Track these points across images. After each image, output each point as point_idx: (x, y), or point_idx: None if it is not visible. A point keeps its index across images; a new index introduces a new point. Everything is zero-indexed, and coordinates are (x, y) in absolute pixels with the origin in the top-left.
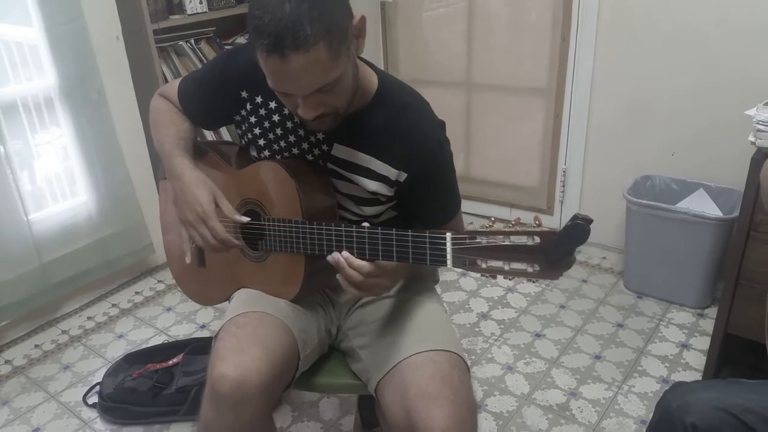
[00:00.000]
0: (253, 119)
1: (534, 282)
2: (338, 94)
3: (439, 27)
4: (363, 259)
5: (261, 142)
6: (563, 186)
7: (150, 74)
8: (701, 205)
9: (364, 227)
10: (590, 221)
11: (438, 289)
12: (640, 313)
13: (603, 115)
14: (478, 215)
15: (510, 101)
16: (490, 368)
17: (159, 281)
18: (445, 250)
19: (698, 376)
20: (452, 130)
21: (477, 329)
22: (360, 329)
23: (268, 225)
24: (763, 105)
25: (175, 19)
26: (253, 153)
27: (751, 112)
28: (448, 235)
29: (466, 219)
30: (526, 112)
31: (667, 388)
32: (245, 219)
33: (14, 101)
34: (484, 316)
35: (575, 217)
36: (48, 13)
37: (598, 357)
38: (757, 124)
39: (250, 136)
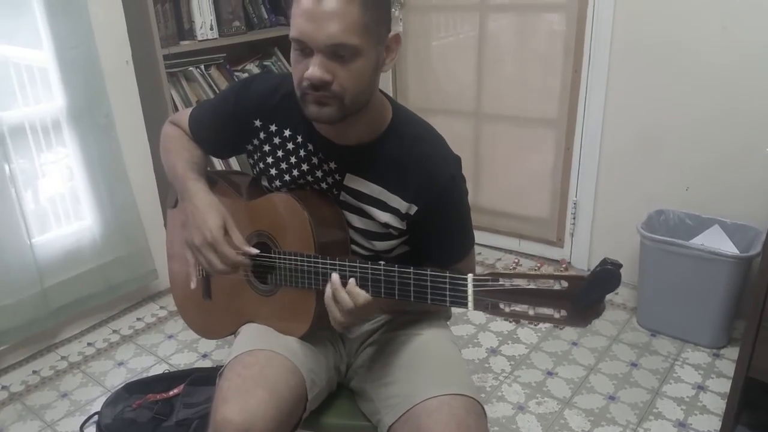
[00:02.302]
0: (266, 148)
1: (561, 329)
2: (351, 73)
3: (449, 57)
4: (377, 297)
5: (273, 171)
6: (574, 218)
7: (159, 99)
8: (716, 241)
9: (380, 264)
10: (620, 266)
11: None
12: (654, 351)
13: (615, 148)
14: (486, 245)
15: (519, 132)
16: (501, 407)
17: (161, 307)
18: (467, 292)
19: (717, 421)
20: (461, 159)
21: (486, 365)
22: (371, 368)
23: (279, 258)
24: None
25: (186, 45)
26: (265, 183)
27: None
28: (470, 276)
29: (475, 249)
30: (536, 142)
31: None
32: (254, 251)
33: (22, 123)
34: (493, 352)
35: (604, 262)
36: (59, 37)
37: (612, 398)
38: None
39: (262, 165)
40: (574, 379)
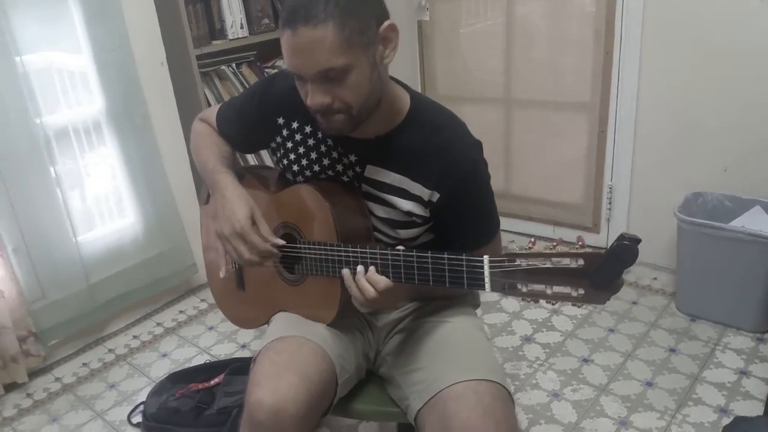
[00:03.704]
0: (289, 144)
1: (579, 306)
2: (348, 89)
3: (477, 43)
4: (398, 282)
5: (296, 167)
6: (610, 203)
7: (193, 98)
8: (758, 222)
9: (399, 250)
10: (638, 241)
11: (479, 311)
12: (694, 337)
13: (650, 130)
14: (520, 233)
15: (551, 117)
16: (536, 395)
17: (202, 300)
18: (483, 273)
19: (760, 407)
20: (492, 146)
21: (520, 353)
22: (399, 355)
23: (304, 248)
24: None
25: (217, 44)
26: (290, 177)
27: None
28: (486, 258)
29: (507, 237)
30: (569, 127)
31: (725, 419)
32: (281, 242)
33: (65, 126)
34: (527, 340)
35: (621, 237)
36: (96, 41)
37: (649, 384)
38: None
39: (286, 161)
40: (611, 366)
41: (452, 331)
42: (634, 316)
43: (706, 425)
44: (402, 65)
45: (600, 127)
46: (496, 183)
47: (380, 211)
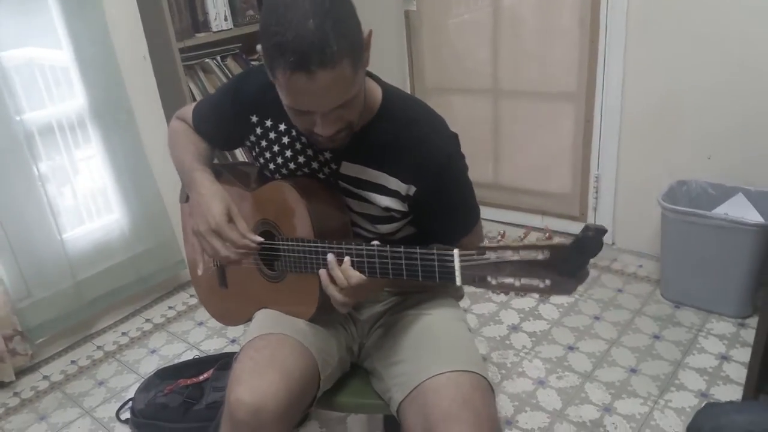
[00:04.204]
0: (263, 143)
1: (546, 298)
2: (354, 109)
3: (465, 34)
4: (373, 277)
5: (272, 165)
6: (596, 192)
7: (177, 92)
8: (740, 210)
9: (373, 245)
10: (603, 232)
11: (467, 300)
12: (677, 323)
13: (635, 119)
14: (509, 224)
15: (538, 107)
16: (521, 383)
17: (191, 296)
18: (453, 267)
19: (739, 390)
20: (481, 137)
21: (507, 342)
22: (381, 348)
23: (282, 245)
24: None
25: (201, 37)
26: (267, 175)
27: None
28: (456, 251)
29: (497, 227)
30: (556, 117)
31: (706, 402)
32: (258, 238)
33: (49, 123)
34: (514, 329)
35: (586, 229)
36: (76, 36)
37: (633, 370)
38: None
39: (261, 160)
40: (596, 353)
41: (433, 324)
42: (620, 304)
43: (688, 410)
44: (389, 56)
45: (586, 116)
46: (485, 173)
47: (358, 206)
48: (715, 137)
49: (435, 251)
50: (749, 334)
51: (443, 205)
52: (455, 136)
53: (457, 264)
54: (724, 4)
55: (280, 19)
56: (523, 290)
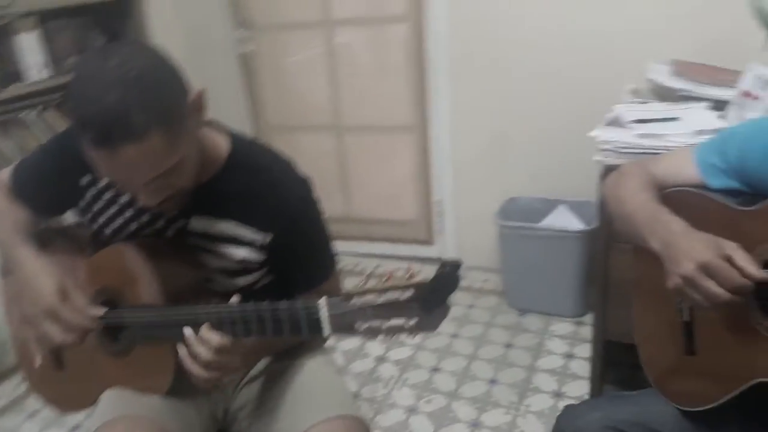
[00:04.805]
0: (98, 206)
1: (413, 337)
2: (181, 176)
3: (304, 73)
4: (235, 338)
5: (108, 230)
6: (440, 216)
7: None
8: (564, 220)
9: (232, 305)
10: (459, 266)
11: (332, 338)
12: (525, 329)
13: (467, 147)
14: (363, 254)
15: (381, 140)
16: (393, 414)
17: (17, 384)
18: (319, 318)
19: (586, 385)
20: (328, 172)
21: (375, 375)
22: (250, 408)
23: (127, 314)
24: (604, 126)
25: (14, 89)
26: (104, 240)
27: (594, 133)
28: (322, 301)
29: (352, 260)
30: (397, 148)
31: (561, 402)
32: (99, 312)
33: None
34: (381, 359)
35: (443, 265)
36: None
37: (493, 382)
38: (600, 144)
39: (96, 226)
40: (458, 371)
41: (301, 372)
42: (473, 319)
43: (546, 411)
44: (225, 98)
45: (424, 147)
46: (335, 208)
47: (214, 261)
48: (537, 157)
49: (300, 304)
50: (586, 331)
51: (299, 251)
52: (308, 180)
53: (324, 314)
54: (540, 41)
55: (82, 92)
56: (391, 332)
